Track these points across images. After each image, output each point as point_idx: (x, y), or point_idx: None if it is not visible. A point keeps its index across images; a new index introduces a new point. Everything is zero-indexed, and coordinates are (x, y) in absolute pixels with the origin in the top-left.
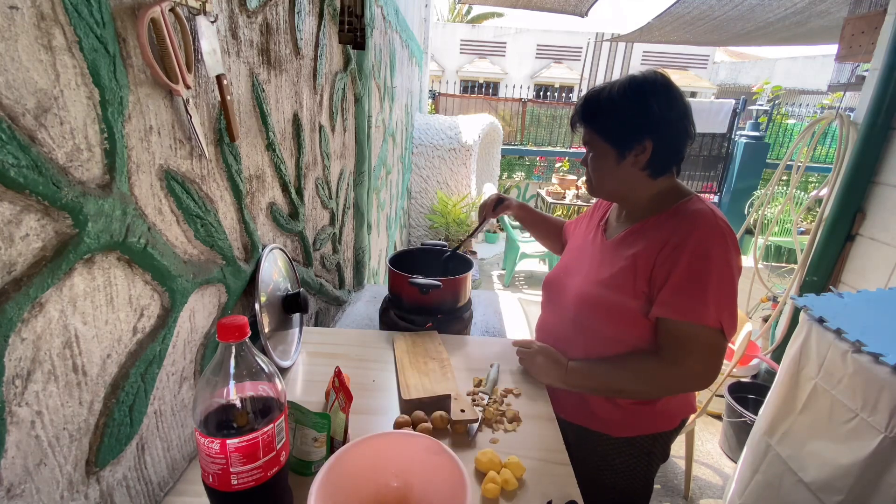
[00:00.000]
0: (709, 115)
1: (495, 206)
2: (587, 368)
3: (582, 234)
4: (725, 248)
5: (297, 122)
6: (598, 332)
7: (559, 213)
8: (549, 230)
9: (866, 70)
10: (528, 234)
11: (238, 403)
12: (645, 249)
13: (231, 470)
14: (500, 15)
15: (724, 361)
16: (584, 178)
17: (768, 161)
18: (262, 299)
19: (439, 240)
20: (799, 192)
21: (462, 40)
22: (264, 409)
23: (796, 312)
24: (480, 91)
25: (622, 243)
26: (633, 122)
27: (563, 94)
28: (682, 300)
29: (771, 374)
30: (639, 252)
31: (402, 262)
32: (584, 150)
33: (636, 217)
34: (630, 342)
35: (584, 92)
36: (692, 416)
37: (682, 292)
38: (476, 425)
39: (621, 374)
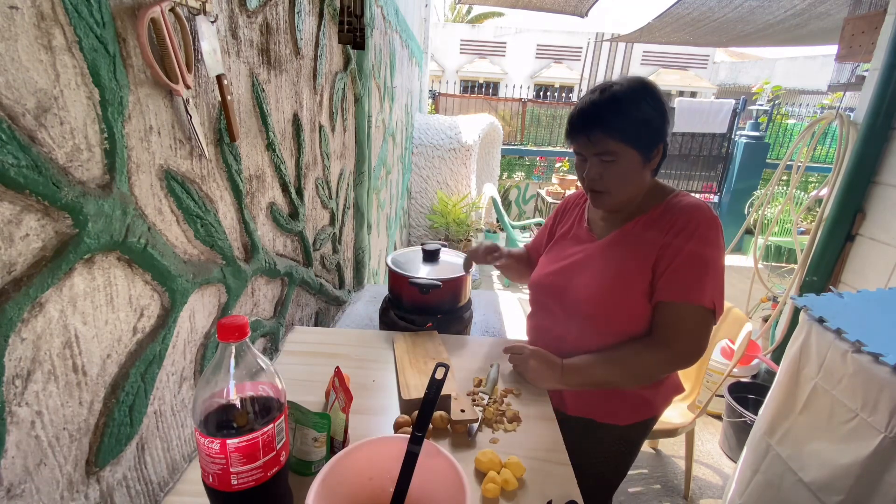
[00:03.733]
0: (709, 115)
1: (487, 255)
2: (583, 366)
3: (564, 235)
4: (721, 236)
5: (297, 122)
6: (608, 328)
7: None
8: (524, 266)
9: (866, 70)
10: (528, 234)
11: (238, 403)
12: (649, 242)
13: (231, 470)
14: (500, 15)
15: (725, 361)
16: (576, 185)
17: (768, 161)
18: None
19: (439, 240)
20: (799, 192)
21: (462, 40)
22: (264, 409)
23: (796, 312)
24: (480, 91)
25: (620, 242)
26: (657, 126)
27: (563, 94)
28: (683, 282)
29: (771, 374)
30: (643, 246)
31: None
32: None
33: (627, 215)
34: (635, 330)
35: (582, 94)
36: (693, 416)
37: (683, 275)
38: (476, 425)
39: (617, 366)
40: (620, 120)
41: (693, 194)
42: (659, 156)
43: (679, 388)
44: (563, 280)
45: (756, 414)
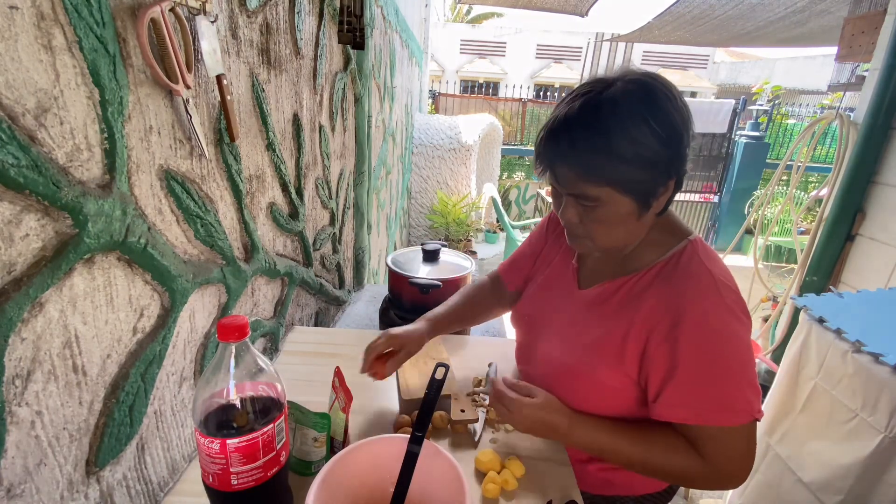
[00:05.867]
0: (709, 115)
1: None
2: (600, 429)
3: (553, 264)
4: (737, 322)
5: (297, 122)
6: (573, 402)
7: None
8: (476, 309)
9: (866, 70)
10: (528, 234)
11: (238, 403)
12: (635, 321)
13: (231, 470)
14: (500, 15)
15: None
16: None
17: (768, 161)
18: None
19: (439, 240)
20: (799, 192)
21: (462, 40)
22: (264, 409)
23: (796, 312)
24: (480, 91)
25: (600, 302)
26: (660, 162)
27: (564, 94)
28: (703, 402)
29: (771, 374)
30: (624, 323)
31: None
32: None
33: (621, 263)
34: (614, 412)
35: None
36: None
37: (700, 392)
38: (480, 428)
39: (646, 450)
40: (600, 158)
41: (693, 195)
42: (667, 195)
43: None
44: (532, 335)
45: None
